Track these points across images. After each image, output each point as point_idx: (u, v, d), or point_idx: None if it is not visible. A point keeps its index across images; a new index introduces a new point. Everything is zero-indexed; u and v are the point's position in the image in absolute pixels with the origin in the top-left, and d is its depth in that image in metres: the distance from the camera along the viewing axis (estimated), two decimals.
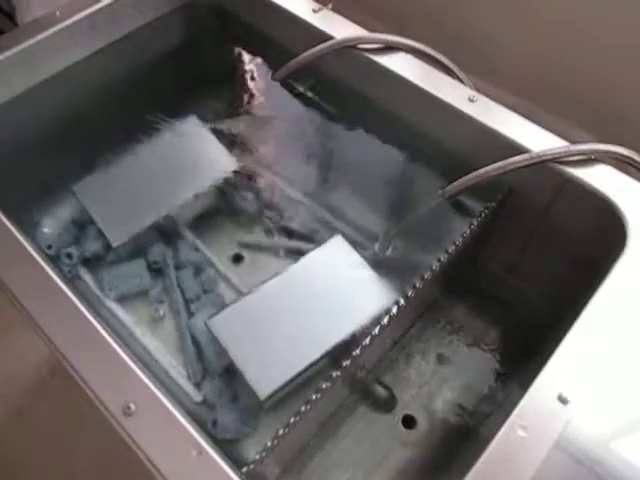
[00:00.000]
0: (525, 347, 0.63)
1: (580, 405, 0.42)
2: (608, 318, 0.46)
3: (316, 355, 0.55)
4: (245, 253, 0.71)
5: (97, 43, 0.71)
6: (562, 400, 0.42)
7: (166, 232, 0.68)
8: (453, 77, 0.63)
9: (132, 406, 0.42)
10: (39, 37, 0.66)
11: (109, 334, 0.46)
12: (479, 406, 0.64)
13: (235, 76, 0.77)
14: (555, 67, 0.79)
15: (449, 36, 0.73)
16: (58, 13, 0.69)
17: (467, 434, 0.61)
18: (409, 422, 0.63)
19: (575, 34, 0.76)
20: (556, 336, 0.48)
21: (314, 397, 0.49)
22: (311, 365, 0.55)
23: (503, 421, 0.41)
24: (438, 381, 0.66)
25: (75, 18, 0.69)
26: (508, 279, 0.69)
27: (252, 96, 0.75)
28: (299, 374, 0.55)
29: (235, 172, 0.68)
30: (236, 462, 0.43)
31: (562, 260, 0.62)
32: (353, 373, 0.59)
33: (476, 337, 0.69)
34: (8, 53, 0.65)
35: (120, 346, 0.46)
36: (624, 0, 0.70)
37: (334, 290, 0.59)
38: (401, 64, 0.63)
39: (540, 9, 0.77)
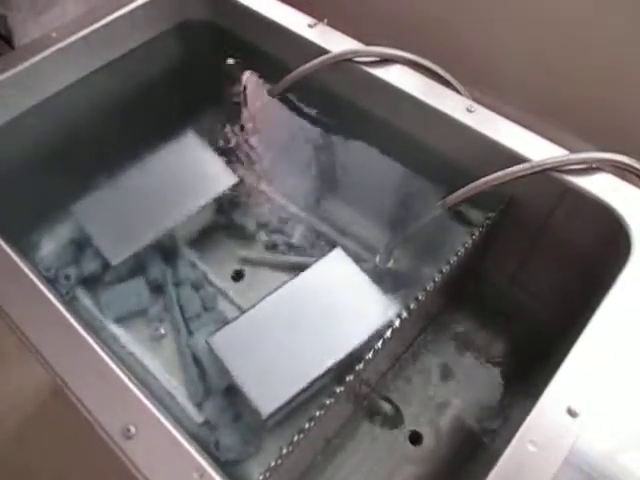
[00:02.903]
0: (531, 359, 0.62)
1: (590, 418, 0.41)
2: (615, 328, 0.46)
3: (319, 371, 0.54)
4: (245, 269, 0.70)
5: (93, 64, 0.71)
6: (571, 413, 0.41)
7: (165, 250, 0.67)
8: (450, 88, 0.63)
9: (132, 429, 0.41)
10: (35, 59, 0.66)
11: (108, 356, 0.46)
12: (486, 420, 0.63)
13: (232, 92, 0.77)
14: (553, 79, 0.80)
15: (446, 49, 0.73)
16: (54, 34, 0.69)
17: (475, 449, 0.60)
18: (415, 438, 0.62)
19: (573, 46, 0.76)
20: (562, 347, 0.47)
21: (318, 414, 0.48)
22: (314, 382, 0.54)
23: (512, 435, 0.41)
24: (444, 395, 0.65)
25: (71, 39, 0.69)
26: (511, 290, 0.69)
27: (249, 111, 0.75)
28: (302, 391, 0.54)
29: (234, 187, 0.68)
30: None
31: (566, 270, 0.61)
32: (357, 389, 0.58)
33: (481, 349, 0.68)
34: (4, 75, 0.65)
35: (119, 367, 0.45)
36: (621, 13, 0.70)
37: (335, 304, 0.58)
38: (398, 76, 0.63)
39: (539, 21, 0.77)
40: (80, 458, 0.84)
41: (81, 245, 0.67)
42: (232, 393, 0.57)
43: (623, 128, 0.75)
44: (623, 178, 0.55)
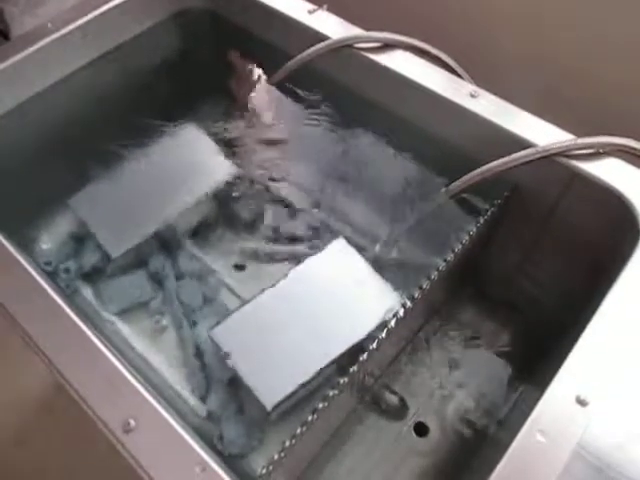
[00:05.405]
0: (538, 348, 0.62)
1: (599, 407, 0.40)
2: (624, 315, 0.45)
3: (323, 363, 0.54)
4: (246, 260, 0.69)
5: (90, 54, 0.70)
6: (581, 402, 0.40)
7: (166, 241, 0.67)
8: (453, 73, 0.62)
9: (132, 422, 0.40)
10: (30, 50, 0.65)
11: (109, 349, 0.45)
12: (493, 410, 0.62)
13: (232, 81, 0.76)
14: (554, 67, 0.79)
15: (449, 35, 0.72)
16: (50, 25, 0.68)
17: (482, 440, 0.60)
18: (421, 429, 0.62)
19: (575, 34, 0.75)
20: (570, 336, 0.46)
21: (321, 405, 0.48)
22: (318, 373, 0.54)
23: (520, 426, 0.40)
24: (449, 386, 0.64)
25: (67, 29, 0.68)
26: (517, 278, 0.68)
27: (249, 100, 0.74)
28: (306, 382, 0.53)
29: (234, 178, 0.67)
30: (242, 478, 0.41)
31: (573, 257, 0.60)
32: (361, 380, 0.57)
33: (487, 339, 0.67)
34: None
35: (120, 361, 0.44)
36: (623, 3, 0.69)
37: (338, 294, 0.58)
38: (399, 62, 0.62)
39: (543, 11, 0.76)
40: (84, 454, 0.84)
41: (81, 238, 0.67)
42: (235, 385, 0.57)
43: (622, 117, 0.74)
44: (631, 162, 0.54)
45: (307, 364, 0.54)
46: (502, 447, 0.40)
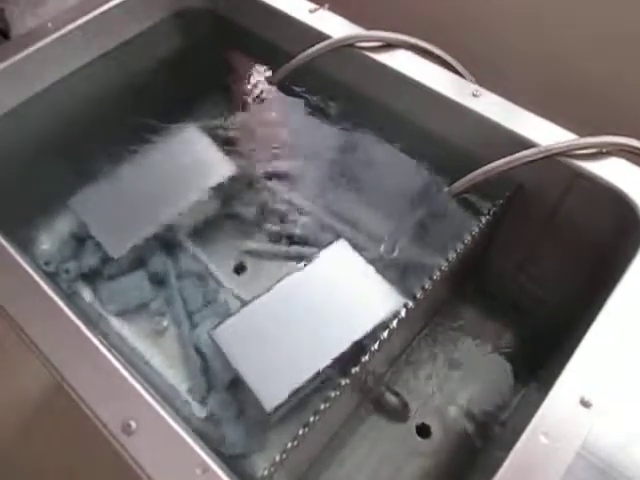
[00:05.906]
0: (541, 349, 0.61)
1: (603, 408, 0.40)
2: (628, 316, 0.44)
3: (323, 363, 0.54)
4: (247, 261, 0.69)
5: (90, 53, 0.70)
6: (584, 404, 0.40)
7: (166, 242, 0.66)
8: (454, 73, 0.62)
9: (132, 424, 0.40)
10: (31, 49, 0.65)
11: (109, 350, 0.45)
12: (495, 412, 0.62)
13: (232, 81, 0.76)
14: (556, 66, 0.78)
15: (450, 34, 0.72)
16: (50, 24, 0.68)
17: (485, 442, 0.59)
18: (423, 431, 0.61)
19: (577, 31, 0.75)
20: (573, 337, 0.46)
21: (323, 407, 0.47)
22: (319, 374, 0.53)
23: (523, 427, 0.39)
24: (452, 387, 0.64)
25: (67, 29, 0.68)
26: (519, 279, 0.68)
27: (250, 100, 0.74)
28: (306, 384, 0.53)
29: (234, 178, 0.67)
30: (243, 479, 0.41)
31: (576, 257, 0.60)
32: (363, 381, 0.57)
33: (489, 340, 0.67)
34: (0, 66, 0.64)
35: (120, 362, 0.44)
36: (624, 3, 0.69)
37: (339, 295, 0.57)
38: (401, 61, 0.62)
39: (545, 10, 0.76)
40: (85, 455, 0.84)
41: (81, 239, 0.66)
42: (236, 387, 0.57)
43: (625, 116, 0.73)
44: (634, 162, 0.54)
45: (308, 365, 0.54)
46: (505, 449, 0.39)
